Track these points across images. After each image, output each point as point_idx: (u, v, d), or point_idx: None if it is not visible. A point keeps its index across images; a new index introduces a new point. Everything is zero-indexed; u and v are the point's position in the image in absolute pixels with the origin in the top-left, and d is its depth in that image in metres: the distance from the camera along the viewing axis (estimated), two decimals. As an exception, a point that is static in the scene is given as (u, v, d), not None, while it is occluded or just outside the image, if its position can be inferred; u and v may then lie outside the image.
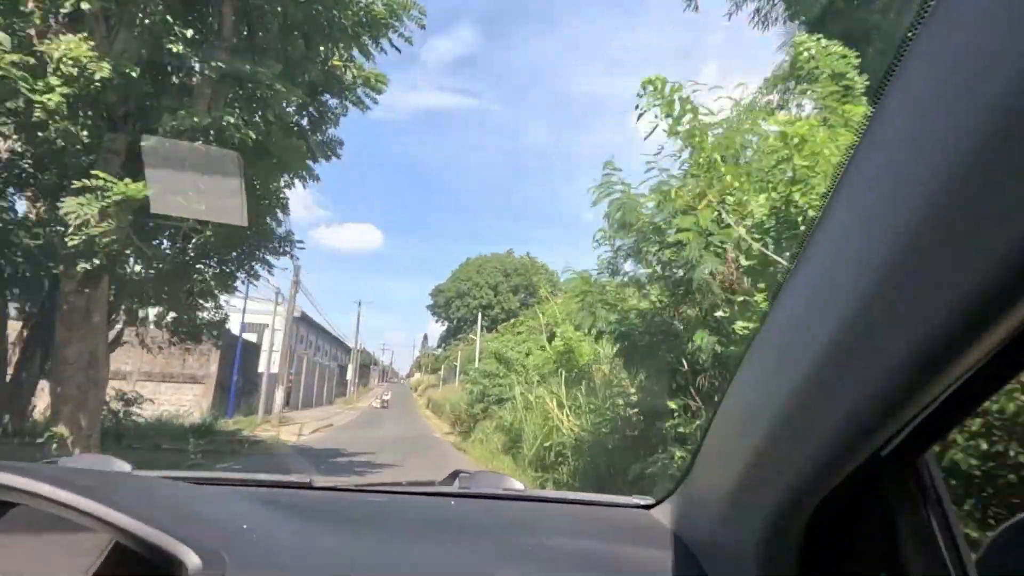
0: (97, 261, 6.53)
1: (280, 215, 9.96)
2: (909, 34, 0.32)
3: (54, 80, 5.84)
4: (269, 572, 0.60)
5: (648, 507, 0.95)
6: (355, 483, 1.10)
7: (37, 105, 5.78)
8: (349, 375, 46.44)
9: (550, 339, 9.78)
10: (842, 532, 0.48)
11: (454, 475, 1.10)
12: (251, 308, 30.03)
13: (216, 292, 10.44)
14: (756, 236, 3.44)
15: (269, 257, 10.32)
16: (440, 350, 58.78)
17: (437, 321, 55.83)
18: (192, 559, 0.54)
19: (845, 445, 0.37)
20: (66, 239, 6.21)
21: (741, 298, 3.62)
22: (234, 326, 21.31)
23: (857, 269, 0.34)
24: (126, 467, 0.96)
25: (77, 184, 6.21)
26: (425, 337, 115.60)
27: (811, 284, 0.42)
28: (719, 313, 3.81)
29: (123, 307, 9.62)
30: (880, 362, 0.32)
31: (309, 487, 1.02)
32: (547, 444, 7.87)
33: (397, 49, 8.41)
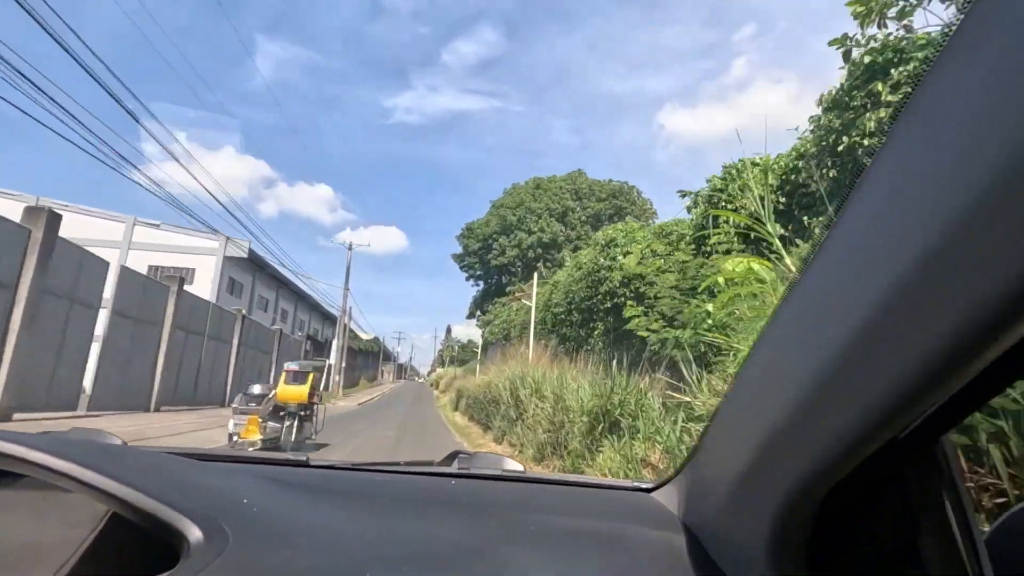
0: None
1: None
2: (937, 46, 0.33)
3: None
4: (272, 545, 0.58)
5: (648, 490, 0.94)
6: (352, 462, 1.08)
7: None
8: (332, 357, 29.92)
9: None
10: (855, 515, 0.48)
11: (453, 455, 1.11)
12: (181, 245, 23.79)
13: None
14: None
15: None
16: (474, 322, 42.06)
17: (468, 278, 39.18)
18: (194, 532, 0.54)
19: (862, 431, 0.37)
20: None
21: None
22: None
23: (889, 254, 0.34)
24: (117, 441, 0.96)
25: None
26: (448, 329, 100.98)
27: (837, 263, 0.41)
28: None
29: None
30: (905, 350, 0.32)
31: (306, 465, 1.02)
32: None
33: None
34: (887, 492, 0.46)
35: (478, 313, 38.31)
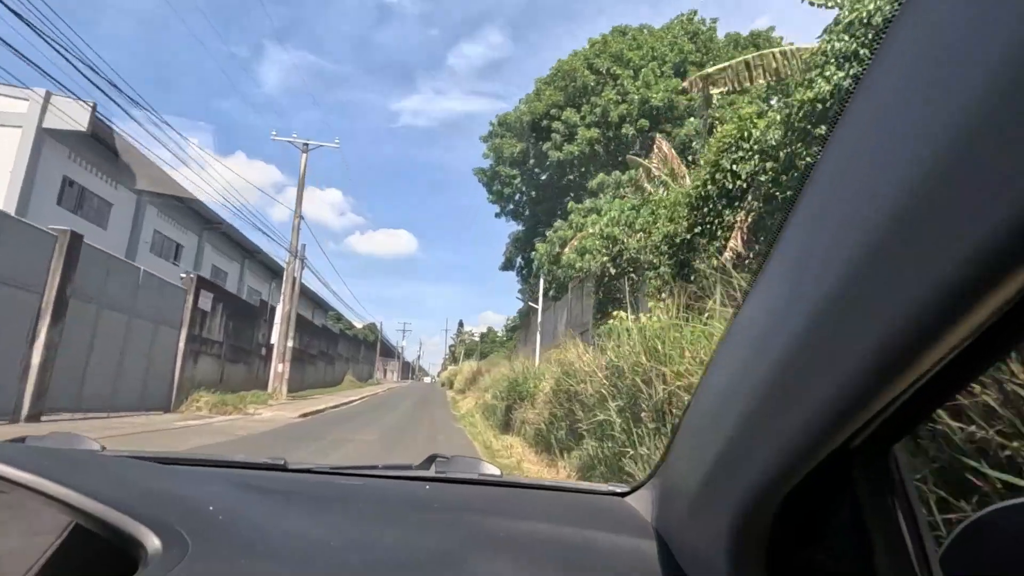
0: None
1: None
2: (880, 33, 0.33)
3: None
4: (233, 553, 0.57)
5: (623, 494, 0.94)
6: (330, 466, 1.05)
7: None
8: (274, 337, 17.54)
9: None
10: (811, 524, 0.49)
11: (431, 459, 1.09)
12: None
13: None
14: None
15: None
16: (513, 283, 29.68)
17: (500, 205, 25.87)
18: (152, 540, 0.54)
19: (814, 436, 0.38)
20: None
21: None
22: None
23: (827, 260, 0.35)
24: (95, 446, 0.96)
25: None
26: (460, 324, 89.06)
27: (784, 274, 0.42)
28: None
29: None
30: (850, 353, 0.33)
31: (283, 468, 1.01)
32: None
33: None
34: (842, 500, 0.47)
35: (519, 260, 25.82)
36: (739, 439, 0.47)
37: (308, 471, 1.02)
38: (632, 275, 10.13)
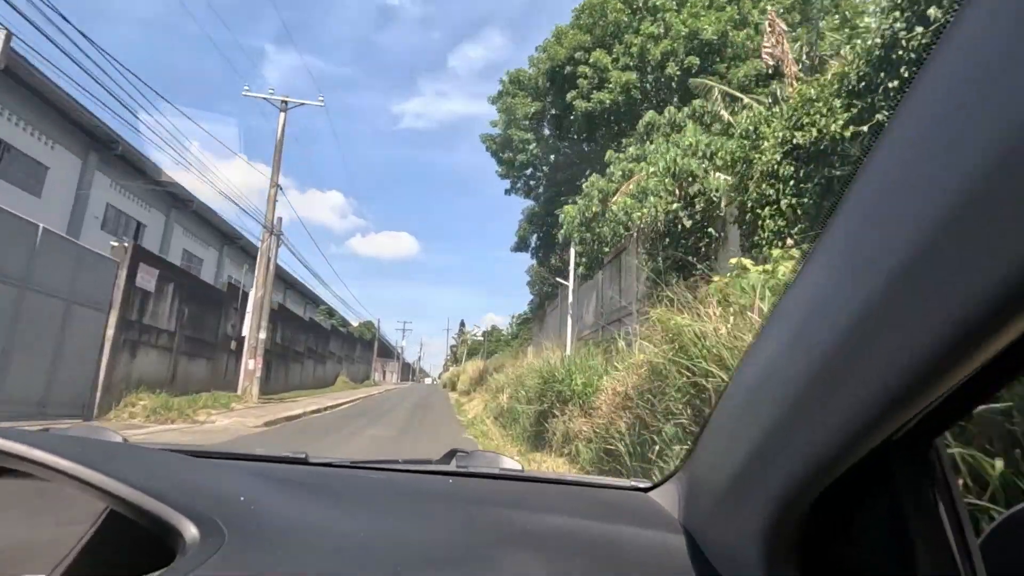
0: None
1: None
2: (934, 39, 0.33)
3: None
4: (267, 543, 0.58)
5: (645, 490, 0.94)
6: (351, 460, 1.07)
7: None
8: (246, 326, 14.53)
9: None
10: (847, 518, 0.48)
11: (451, 453, 1.11)
12: None
13: None
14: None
15: None
16: (526, 263, 26.84)
17: (510, 190, 22.75)
18: (190, 529, 0.54)
19: (857, 432, 0.37)
20: None
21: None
22: None
23: (880, 253, 0.34)
24: (118, 438, 0.95)
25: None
26: (462, 324, 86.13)
27: (832, 265, 0.41)
28: None
29: None
30: (894, 352, 0.33)
31: (304, 462, 1.02)
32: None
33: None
34: (880, 495, 0.46)
35: (535, 240, 22.57)
36: (775, 433, 0.46)
37: (329, 464, 1.04)
38: (710, 230, 7.18)
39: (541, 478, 1.11)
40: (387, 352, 68.36)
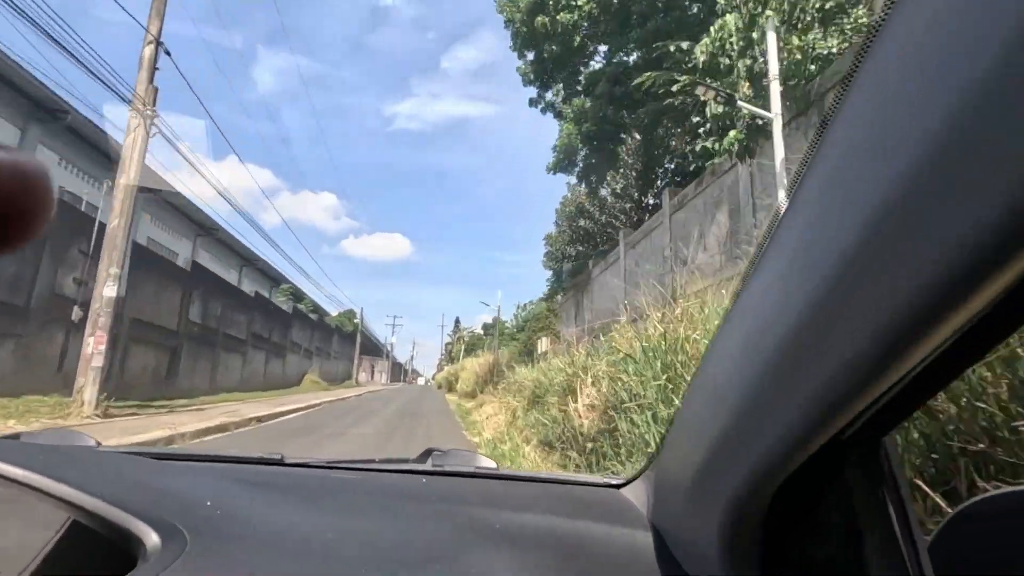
0: None
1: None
2: (877, 25, 0.33)
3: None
4: (230, 548, 0.57)
5: (618, 486, 0.94)
6: (327, 460, 1.06)
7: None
8: (104, 288, 7.75)
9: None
10: (804, 518, 0.49)
11: (427, 453, 1.11)
12: None
13: None
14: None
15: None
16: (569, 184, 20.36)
17: (537, 100, 15.64)
18: (150, 536, 0.54)
19: (807, 427, 0.38)
20: None
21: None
22: None
23: (823, 248, 0.35)
24: (91, 442, 0.96)
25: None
26: (457, 321, 79.65)
27: (780, 263, 0.42)
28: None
29: None
30: (844, 343, 0.34)
31: (280, 463, 1.01)
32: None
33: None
34: (833, 493, 0.47)
35: (583, 154, 14.98)
36: (733, 430, 0.46)
37: (305, 465, 1.03)
38: None
39: (516, 476, 1.08)
40: (375, 350, 61.67)
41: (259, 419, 9.82)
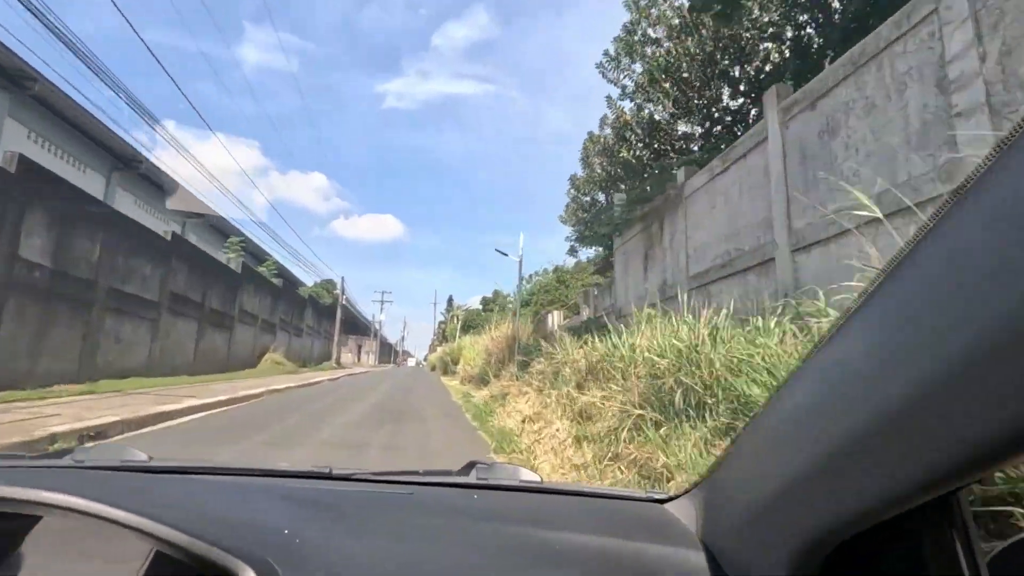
0: None
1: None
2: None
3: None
4: None
5: (662, 501, 0.94)
6: (371, 472, 1.08)
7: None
8: None
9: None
10: (869, 557, 0.49)
11: (471, 465, 1.12)
12: None
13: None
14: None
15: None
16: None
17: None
18: (247, 574, 0.55)
19: (914, 486, 0.38)
20: None
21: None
22: None
23: (932, 341, 0.36)
24: (142, 456, 1.00)
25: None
26: (450, 299, 74.29)
27: (894, 322, 0.41)
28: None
29: None
30: (974, 424, 0.33)
31: (328, 477, 1.04)
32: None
33: None
34: (901, 536, 0.47)
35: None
36: (828, 468, 0.45)
37: (350, 479, 1.05)
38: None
39: (560, 490, 1.10)
40: (362, 328, 56.42)
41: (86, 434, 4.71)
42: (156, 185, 16.87)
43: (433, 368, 40.08)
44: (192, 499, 0.75)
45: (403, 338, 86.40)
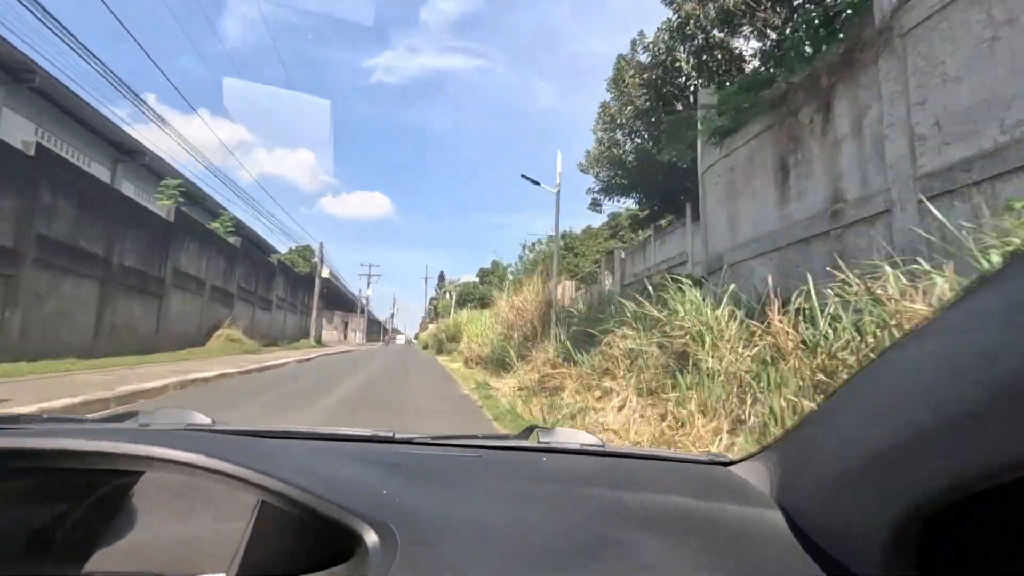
0: None
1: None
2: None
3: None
4: (434, 541, 0.58)
5: (727, 464, 0.93)
6: (431, 436, 1.05)
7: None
8: None
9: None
10: (969, 522, 0.48)
11: (530, 429, 1.11)
12: None
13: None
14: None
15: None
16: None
17: None
18: (370, 535, 0.55)
19: (1012, 467, 0.38)
20: None
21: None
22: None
23: None
24: (206, 420, 0.97)
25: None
26: (442, 275, 70.03)
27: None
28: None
29: None
30: None
31: (391, 440, 1.03)
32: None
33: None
34: (1012, 507, 0.46)
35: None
36: (940, 429, 0.44)
37: (411, 442, 1.03)
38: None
39: (625, 453, 1.10)
40: (348, 304, 52.32)
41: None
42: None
43: (426, 347, 36.18)
44: (291, 462, 0.73)
45: (393, 315, 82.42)
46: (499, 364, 10.30)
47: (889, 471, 0.49)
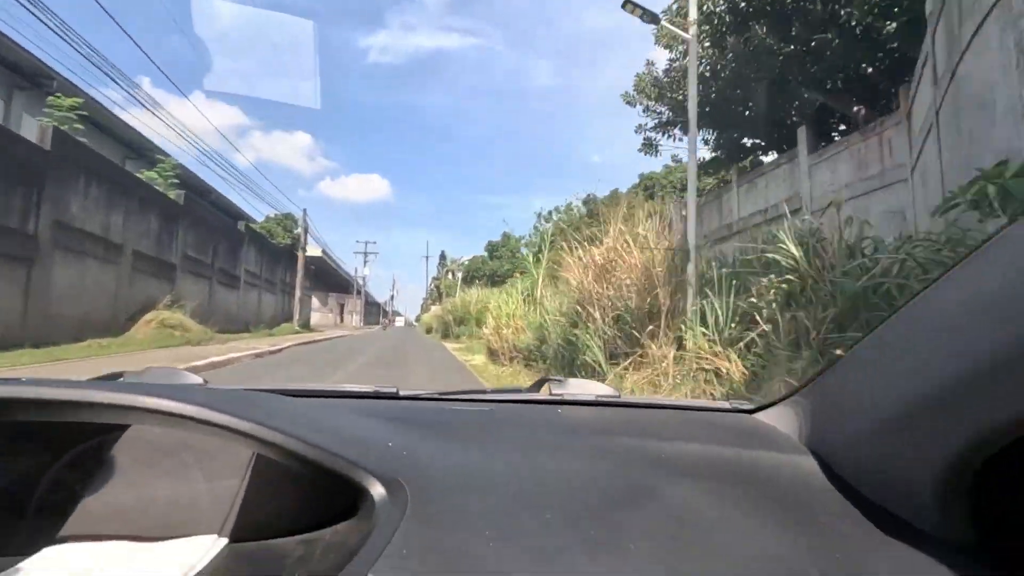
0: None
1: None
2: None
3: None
4: (444, 493, 0.56)
5: (750, 411, 0.92)
6: (439, 392, 1.04)
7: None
8: None
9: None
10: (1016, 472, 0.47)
11: (541, 382, 1.08)
12: None
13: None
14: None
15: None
16: None
17: None
18: (377, 488, 0.53)
19: None
20: None
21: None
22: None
23: None
24: (197, 379, 0.92)
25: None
26: (443, 255, 65.50)
27: None
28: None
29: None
30: None
31: (395, 396, 1.00)
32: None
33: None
34: None
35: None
36: (981, 378, 0.42)
37: (417, 398, 1.01)
38: None
39: (642, 403, 1.06)
40: (344, 285, 48.04)
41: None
42: None
43: (429, 330, 31.96)
44: (290, 415, 0.69)
45: (392, 297, 78.20)
46: (564, 364, 6.16)
47: (939, 416, 0.47)
